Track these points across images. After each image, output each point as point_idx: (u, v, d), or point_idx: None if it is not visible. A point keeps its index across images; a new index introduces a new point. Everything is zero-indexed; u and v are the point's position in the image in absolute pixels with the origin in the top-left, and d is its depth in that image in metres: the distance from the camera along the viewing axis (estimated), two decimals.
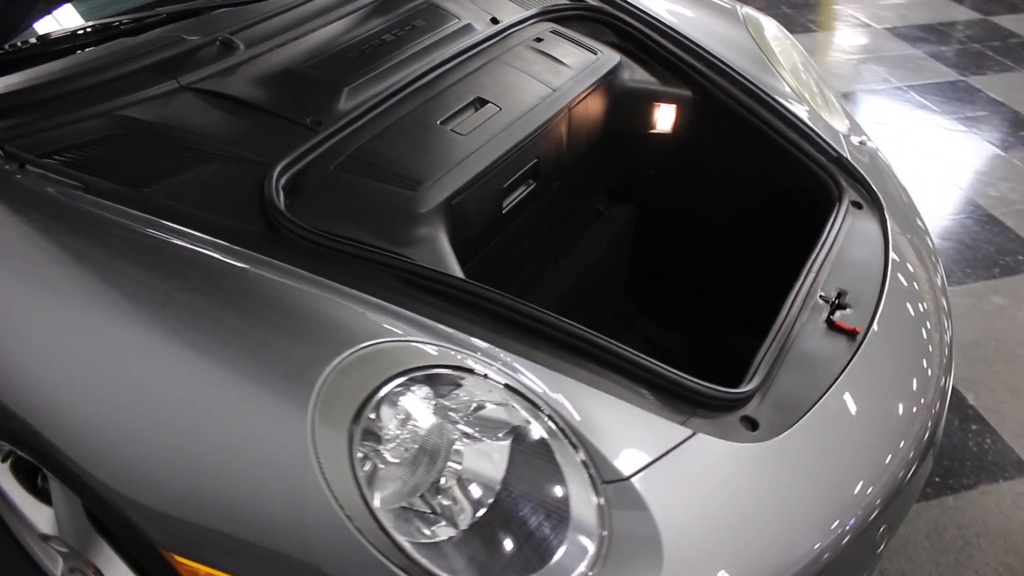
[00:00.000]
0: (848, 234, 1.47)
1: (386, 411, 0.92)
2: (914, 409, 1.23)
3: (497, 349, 1.05)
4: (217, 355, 0.94)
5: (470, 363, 0.99)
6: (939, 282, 1.52)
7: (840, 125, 1.79)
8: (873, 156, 1.77)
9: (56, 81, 1.31)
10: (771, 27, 1.95)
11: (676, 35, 1.81)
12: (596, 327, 1.93)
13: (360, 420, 0.89)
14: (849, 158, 1.64)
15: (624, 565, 0.94)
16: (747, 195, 1.80)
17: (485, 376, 0.99)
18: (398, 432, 0.92)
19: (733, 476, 1.05)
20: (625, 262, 2.01)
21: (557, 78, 1.59)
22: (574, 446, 0.98)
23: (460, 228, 1.33)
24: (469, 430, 0.96)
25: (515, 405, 0.98)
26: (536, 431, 0.98)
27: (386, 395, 0.92)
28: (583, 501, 0.95)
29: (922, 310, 1.40)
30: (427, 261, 1.21)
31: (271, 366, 0.94)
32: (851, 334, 1.26)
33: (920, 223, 1.65)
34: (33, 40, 1.37)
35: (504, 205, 1.45)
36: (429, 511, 0.90)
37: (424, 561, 0.86)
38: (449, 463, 0.93)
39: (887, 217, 1.52)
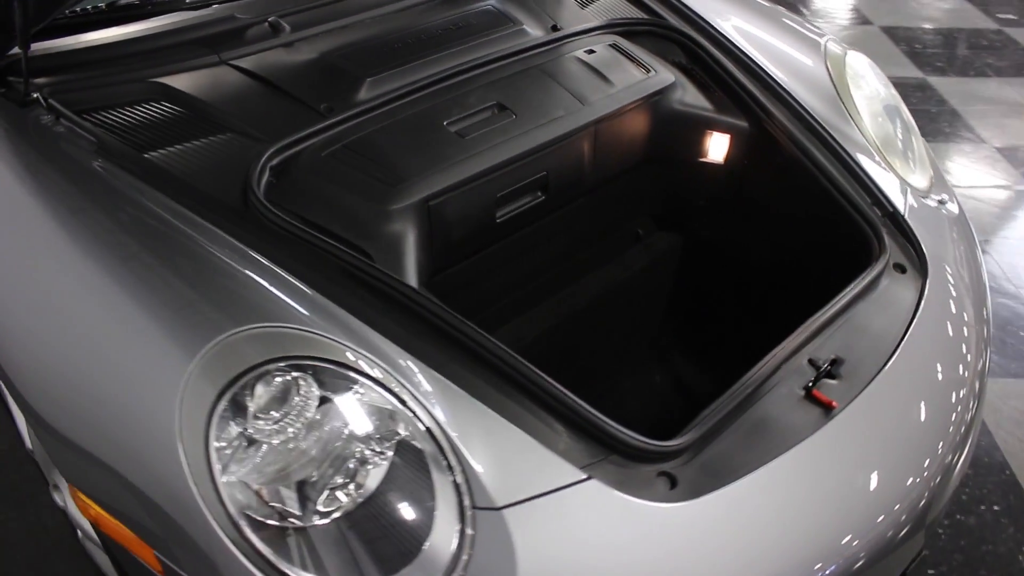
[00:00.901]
0: (877, 298, 1.34)
1: (261, 390, 0.94)
2: (914, 481, 1.13)
3: (409, 356, 1.05)
4: (137, 295, 1.02)
5: (363, 366, 1.00)
6: (979, 365, 1.36)
7: (919, 180, 1.63)
8: (950, 219, 1.59)
9: (110, 45, 1.44)
10: (859, 65, 1.80)
11: (747, 61, 1.72)
12: (621, 351, 1.88)
13: (228, 391, 0.93)
14: (907, 216, 1.50)
15: None
16: (792, 241, 1.68)
17: (379, 383, 0.99)
18: (274, 414, 0.94)
19: (625, 530, 0.99)
20: (665, 291, 1.93)
21: (593, 93, 1.55)
22: (451, 467, 0.96)
23: (438, 230, 1.34)
24: (357, 434, 0.97)
25: (400, 417, 0.98)
26: (417, 446, 0.97)
27: (262, 375, 0.94)
28: (445, 524, 0.93)
29: (938, 389, 1.26)
30: (384, 258, 1.23)
31: (178, 317, 0.99)
32: (826, 407, 1.16)
33: (980, 299, 1.48)
34: (101, 5, 1.51)
35: (499, 214, 1.44)
36: (284, 499, 0.92)
37: (256, 540, 0.88)
38: (323, 461, 0.95)
39: (927, 286, 1.37)
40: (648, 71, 1.66)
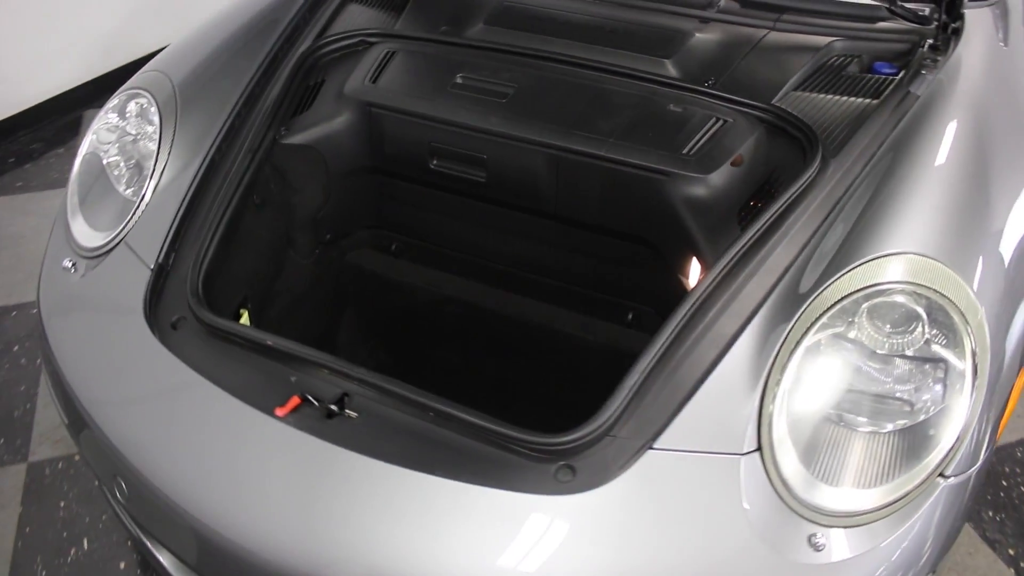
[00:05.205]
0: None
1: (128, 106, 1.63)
2: None
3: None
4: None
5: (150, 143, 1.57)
6: None
7: (839, 500, 1.07)
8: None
9: None
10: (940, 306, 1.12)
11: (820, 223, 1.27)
12: (553, 396, 1.82)
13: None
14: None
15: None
16: None
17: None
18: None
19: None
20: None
21: (593, 129, 1.50)
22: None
23: (375, 135, 1.69)
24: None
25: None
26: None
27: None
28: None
29: None
30: (320, 118, 1.68)
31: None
32: (272, 409, 1.17)
33: None
34: None
35: (433, 163, 1.67)
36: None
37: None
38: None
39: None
40: (685, 151, 1.43)
